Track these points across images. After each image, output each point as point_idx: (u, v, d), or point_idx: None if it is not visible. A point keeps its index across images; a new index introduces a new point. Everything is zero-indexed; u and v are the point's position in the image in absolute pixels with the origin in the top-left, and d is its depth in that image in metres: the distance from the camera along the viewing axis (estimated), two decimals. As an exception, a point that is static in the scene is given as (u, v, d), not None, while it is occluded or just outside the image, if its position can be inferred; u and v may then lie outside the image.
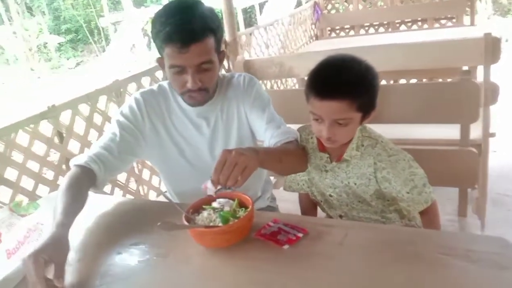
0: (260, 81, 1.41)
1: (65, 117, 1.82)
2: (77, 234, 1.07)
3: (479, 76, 2.03)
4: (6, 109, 7.51)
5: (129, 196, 2.17)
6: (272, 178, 1.77)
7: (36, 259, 0.86)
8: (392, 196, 1.18)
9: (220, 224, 0.95)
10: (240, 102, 1.33)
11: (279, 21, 3.83)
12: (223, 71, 2.50)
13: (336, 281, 0.82)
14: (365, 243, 0.92)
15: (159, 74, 2.25)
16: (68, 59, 12.71)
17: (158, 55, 1.24)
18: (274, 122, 1.30)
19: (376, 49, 2.03)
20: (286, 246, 0.93)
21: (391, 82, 2.97)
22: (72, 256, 0.99)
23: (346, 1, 4.77)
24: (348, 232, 0.95)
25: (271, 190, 1.58)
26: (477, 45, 1.79)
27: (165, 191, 1.51)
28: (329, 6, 4.79)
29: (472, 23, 3.89)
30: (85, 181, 1.16)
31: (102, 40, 12.82)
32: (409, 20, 4.30)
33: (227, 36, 2.70)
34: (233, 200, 1.03)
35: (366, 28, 4.56)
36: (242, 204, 1.03)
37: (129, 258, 0.98)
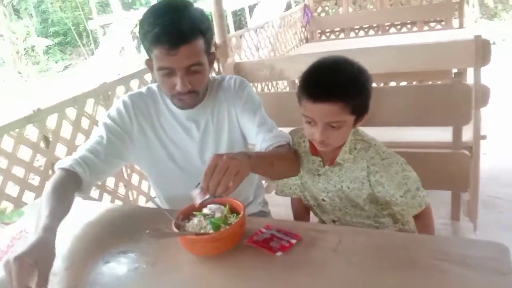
0: (251, 84, 1.39)
1: (51, 121, 1.78)
2: (64, 242, 1.04)
3: (469, 79, 2.04)
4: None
5: (118, 202, 2.13)
6: (263, 182, 1.75)
7: (21, 263, 0.82)
8: (385, 200, 1.17)
9: (211, 231, 0.92)
10: (231, 105, 1.31)
11: (269, 24, 3.82)
12: (213, 74, 2.47)
13: (331, 288, 0.80)
14: (359, 249, 0.90)
15: (148, 76, 2.22)
16: (56, 62, 12.56)
17: (145, 61, 1.22)
18: (266, 125, 1.27)
19: (367, 51, 2.02)
20: (279, 253, 0.90)
21: (381, 84, 2.97)
22: (59, 264, 0.96)
23: (336, 4, 4.78)
24: (342, 238, 0.93)
25: (263, 195, 1.55)
26: (468, 48, 1.79)
27: (155, 197, 1.48)
28: (319, 9, 4.80)
29: (461, 26, 3.93)
30: (70, 185, 1.13)
31: (90, 43, 12.70)
32: (399, 23, 4.33)
33: (217, 39, 2.68)
34: (224, 206, 1.01)
35: (356, 31, 4.57)
36: (233, 210, 1.00)
37: (117, 266, 0.95)
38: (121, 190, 2.18)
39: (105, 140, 1.24)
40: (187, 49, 1.11)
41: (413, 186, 1.14)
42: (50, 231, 0.94)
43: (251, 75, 2.19)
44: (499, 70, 4.28)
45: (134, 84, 2.16)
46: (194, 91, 1.20)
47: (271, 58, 3.53)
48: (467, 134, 1.67)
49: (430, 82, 2.94)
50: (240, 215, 0.95)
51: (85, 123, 1.95)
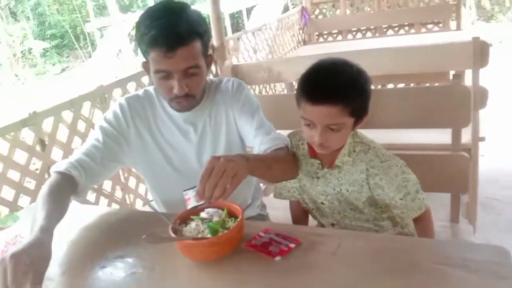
0: (249, 86, 1.38)
1: (47, 124, 1.77)
2: (60, 246, 1.02)
3: (467, 81, 2.03)
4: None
5: (114, 205, 2.11)
6: (261, 185, 1.74)
7: (17, 260, 0.81)
8: (385, 203, 1.16)
9: (209, 236, 0.91)
10: (228, 107, 1.30)
11: (267, 26, 3.82)
12: (210, 76, 2.46)
13: (331, 294, 0.79)
14: (359, 253, 0.89)
15: (145, 79, 2.21)
16: (53, 65, 12.53)
17: (141, 63, 1.21)
18: (264, 128, 1.26)
19: (365, 53, 2.02)
20: (278, 258, 0.89)
21: (379, 86, 2.97)
22: (54, 269, 0.94)
23: (333, 6, 4.78)
24: (341, 242, 0.92)
25: (261, 198, 1.54)
26: (466, 49, 1.79)
27: (151, 200, 1.46)
28: (317, 11, 4.80)
29: (458, 28, 3.93)
30: (66, 188, 1.12)
31: (88, 46, 12.68)
32: (396, 25, 4.33)
33: (214, 41, 2.67)
34: (222, 209, 0.99)
35: (354, 33, 4.58)
36: (231, 214, 0.99)
37: (114, 271, 0.94)
38: (118, 194, 2.16)
39: (101, 144, 1.22)
40: (184, 52, 1.09)
41: (413, 189, 1.13)
42: (46, 232, 0.93)
43: (248, 78, 2.18)
44: (496, 72, 4.29)
45: (131, 86, 2.15)
46: (192, 95, 1.18)
47: (269, 60, 3.52)
48: (465, 136, 1.67)
49: (427, 84, 2.94)
50: (238, 219, 0.94)
51: (81, 126, 1.93)
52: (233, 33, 6.02)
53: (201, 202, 0.94)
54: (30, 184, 1.73)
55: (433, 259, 0.84)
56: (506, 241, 0.90)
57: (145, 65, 1.20)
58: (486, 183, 2.44)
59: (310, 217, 1.37)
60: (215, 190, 0.90)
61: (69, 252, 1.04)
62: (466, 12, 8.05)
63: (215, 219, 0.96)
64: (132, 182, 2.23)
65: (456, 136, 1.42)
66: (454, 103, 1.37)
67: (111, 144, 1.24)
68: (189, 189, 0.98)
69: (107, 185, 2.07)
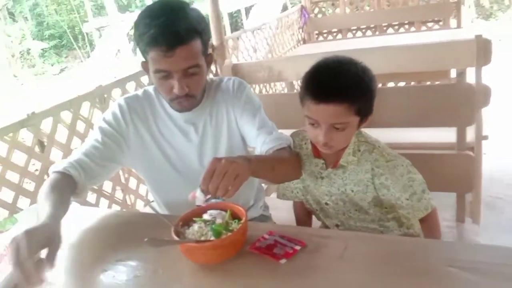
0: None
1: (46, 125, 1.74)
2: (60, 250, 1.00)
3: (468, 79, 2.02)
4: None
5: (115, 206, 2.09)
6: (263, 185, 1.72)
7: (31, 237, 0.83)
8: (390, 203, 1.14)
9: (212, 238, 0.89)
10: (229, 106, 1.28)
11: (266, 25, 3.80)
12: (210, 75, 2.44)
13: (338, 297, 0.77)
14: (366, 256, 0.87)
15: (145, 79, 2.18)
16: (52, 65, 12.49)
17: (141, 63, 1.19)
18: (266, 127, 1.24)
19: (367, 51, 1.99)
20: (283, 260, 0.87)
21: (380, 85, 2.95)
22: (55, 274, 0.92)
23: (333, 5, 4.77)
24: (347, 244, 0.90)
25: (264, 198, 1.52)
26: (469, 47, 1.77)
27: (152, 201, 1.44)
28: (316, 10, 4.77)
29: (458, 26, 3.91)
30: (66, 187, 1.10)
31: (86, 46, 12.65)
32: (396, 23, 4.31)
33: (214, 40, 2.65)
34: (225, 211, 0.97)
35: (354, 31, 4.55)
36: (234, 215, 0.97)
37: (116, 275, 0.92)
38: (119, 195, 2.14)
39: (101, 144, 1.21)
40: (183, 51, 1.07)
41: (419, 189, 1.11)
42: (54, 218, 0.93)
43: (249, 77, 2.16)
44: (496, 70, 4.27)
45: (131, 86, 2.13)
46: (192, 94, 1.17)
47: (269, 59, 3.51)
48: (468, 134, 1.65)
49: (428, 83, 2.92)
50: (242, 221, 0.92)
51: (80, 126, 1.91)
52: (231, 32, 5.99)
53: (208, 197, 0.92)
54: (29, 185, 1.71)
55: (440, 261, 0.82)
56: (511, 240, 0.88)
57: (144, 64, 1.18)
58: (489, 182, 2.43)
59: (314, 218, 1.35)
60: (217, 191, 0.89)
61: (70, 256, 1.02)
62: (465, 10, 8.04)
63: (218, 221, 0.94)
64: (132, 183, 2.21)
65: (461, 135, 1.40)
66: (459, 101, 1.35)
67: (111, 144, 1.22)
68: (195, 190, 0.96)
69: (107, 186, 2.05)
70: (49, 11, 13.29)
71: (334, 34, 4.61)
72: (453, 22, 4.07)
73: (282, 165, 1.15)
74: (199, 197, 0.92)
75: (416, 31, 4.11)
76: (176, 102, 1.18)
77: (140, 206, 2.26)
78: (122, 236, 1.08)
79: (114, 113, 1.26)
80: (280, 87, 3.64)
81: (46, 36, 12.97)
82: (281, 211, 1.51)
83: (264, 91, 3.40)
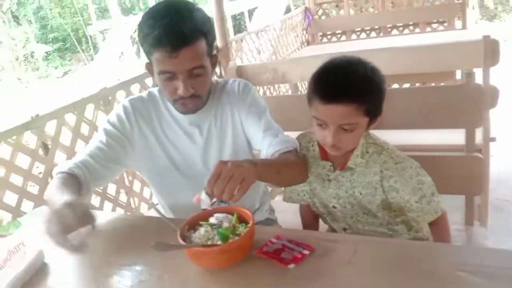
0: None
1: (50, 127, 1.73)
2: (63, 255, 0.98)
3: (476, 80, 2.00)
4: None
5: (119, 209, 2.08)
6: (268, 188, 1.70)
7: (74, 207, 0.90)
8: (399, 206, 1.12)
9: (219, 242, 0.87)
10: (234, 108, 1.26)
11: (270, 27, 3.79)
12: (215, 77, 2.43)
13: (348, 303, 0.75)
14: (375, 260, 0.85)
15: (149, 81, 2.17)
16: (55, 68, 12.54)
17: (145, 64, 1.17)
18: (272, 130, 1.23)
19: (373, 53, 1.97)
20: (291, 265, 0.85)
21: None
22: (58, 279, 0.92)
23: (337, 6, 4.75)
24: (357, 248, 0.88)
25: (269, 202, 1.50)
26: (477, 48, 1.76)
27: (157, 204, 1.43)
28: (320, 12, 4.76)
29: (463, 27, 3.89)
30: (73, 186, 1.08)
31: (90, 49, 12.69)
32: (401, 24, 4.29)
33: (218, 42, 2.64)
34: (232, 214, 0.95)
35: (358, 33, 4.54)
36: (241, 219, 0.95)
37: (122, 280, 0.90)
38: (123, 197, 2.12)
39: (106, 145, 1.20)
40: (188, 52, 1.06)
41: (428, 191, 1.09)
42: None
43: (253, 79, 2.16)
44: (502, 71, 4.24)
45: (135, 88, 2.12)
46: (197, 96, 1.15)
47: (273, 61, 3.49)
48: (476, 136, 1.63)
49: (433, 84, 2.90)
50: (249, 225, 0.90)
51: (85, 129, 1.90)
52: (235, 34, 5.97)
53: (214, 200, 0.90)
54: (33, 188, 1.70)
55: (451, 265, 0.80)
56: None
57: (149, 66, 1.17)
58: (497, 184, 2.40)
59: (321, 222, 1.33)
60: (222, 195, 0.87)
61: (74, 260, 1.00)
62: (470, 11, 8.01)
63: (225, 224, 0.92)
64: (136, 186, 2.20)
65: (470, 136, 1.38)
66: (468, 103, 1.33)
67: (115, 146, 1.21)
68: (200, 193, 0.95)
69: (111, 188, 2.04)
70: (53, 14, 13.36)
71: (338, 35, 4.60)
72: (458, 23, 4.05)
73: (289, 169, 1.14)
74: (204, 200, 0.91)
75: (420, 32, 4.09)
76: (180, 103, 1.16)
77: (144, 209, 2.24)
78: (127, 240, 1.07)
79: (119, 115, 1.24)
80: (284, 89, 3.62)
81: (50, 39, 13.03)
82: (287, 214, 1.49)
83: (268, 93, 3.38)
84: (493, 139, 1.91)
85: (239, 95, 1.26)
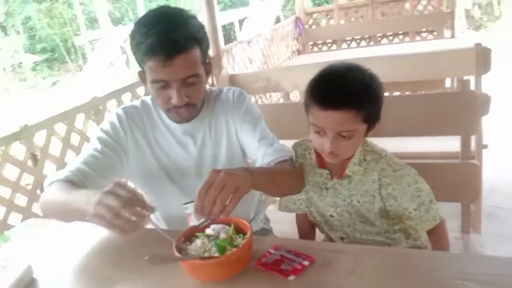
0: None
1: (39, 137, 1.69)
2: (57, 268, 0.95)
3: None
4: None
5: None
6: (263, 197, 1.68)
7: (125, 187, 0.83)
8: (397, 214, 1.10)
9: (216, 254, 0.85)
10: (229, 117, 1.24)
11: (262, 36, 3.79)
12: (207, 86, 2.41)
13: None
14: (378, 270, 0.83)
15: (140, 90, 2.15)
16: (44, 79, 12.43)
17: (138, 72, 1.15)
18: (267, 139, 1.21)
19: (366, 61, 1.97)
20: (292, 277, 0.82)
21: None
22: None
23: (327, 16, 4.79)
24: (358, 258, 0.86)
25: (264, 211, 1.48)
26: (468, 56, 1.77)
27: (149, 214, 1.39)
28: (311, 21, 4.79)
29: (452, 36, 3.94)
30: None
31: (78, 59, 12.61)
32: (391, 33, 4.33)
33: (210, 51, 2.63)
34: (229, 225, 0.93)
35: (348, 42, 4.57)
36: (238, 229, 0.93)
37: (114, 295, 0.87)
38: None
39: (100, 153, 1.15)
40: (182, 60, 1.04)
41: (427, 199, 1.08)
42: None
43: (245, 87, 2.14)
44: (490, 79, 4.30)
45: (126, 97, 2.09)
46: (192, 104, 1.13)
47: (266, 69, 3.49)
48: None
49: (423, 92, 2.91)
50: (247, 236, 0.88)
51: (75, 139, 1.87)
52: (225, 44, 5.99)
53: (203, 220, 0.87)
54: (21, 200, 1.66)
55: (452, 274, 0.79)
56: None
57: (141, 74, 1.14)
58: (490, 192, 2.41)
59: (317, 231, 1.31)
60: (214, 206, 0.83)
61: (68, 274, 0.97)
62: (456, 21, 8.15)
63: (222, 236, 0.89)
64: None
65: (466, 143, 1.37)
66: (463, 110, 1.33)
67: (110, 154, 1.17)
68: (189, 202, 0.92)
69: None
70: (42, 25, 13.27)
71: (329, 45, 4.63)
72: (446, 32, 4.10)
73: (284, 178, 1.11)
74: (193, 218, 0.87)
75: (410, 41, 4.13)
76: (174, 111, 1.14)
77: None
78: (121, 252, 1.03)
79: (112, 123, 1.21)
80: (275, 98, 3.62)
81: (38, 50, 12.94)
82: (283, 224, 1.47)
83: (259, 102, 3.38)
84: (485, 146, 1.92)
85: (233, 103, 1.25)
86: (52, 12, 13.22)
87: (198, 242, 0.89)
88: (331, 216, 1.17)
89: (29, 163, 1.67)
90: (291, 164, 1.16)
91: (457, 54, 1.85)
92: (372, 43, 4.38)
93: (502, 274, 0.77)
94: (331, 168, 1.14)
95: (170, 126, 1.23)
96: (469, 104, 1.32)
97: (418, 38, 4.20)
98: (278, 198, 1.52)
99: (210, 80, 2.66)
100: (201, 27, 1.12)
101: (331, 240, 1.24)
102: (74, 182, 1.07)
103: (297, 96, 3.54)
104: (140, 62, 1.09)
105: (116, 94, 2.04)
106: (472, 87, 1.79)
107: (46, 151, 1.72)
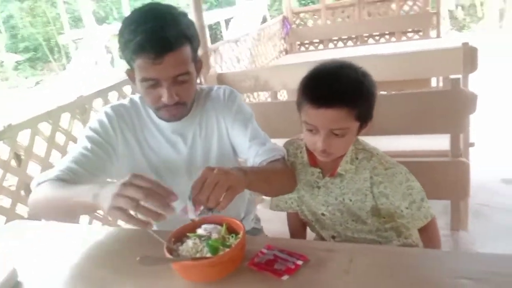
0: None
1: (23, 137, 1.65)
2: (43, 272, 0.92)
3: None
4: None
5: (96, 222, 1.99)
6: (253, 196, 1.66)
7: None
8: (389, 212, 1.10)
9: (209, 255, 0.83)
10: (220, 116, 1.22)
11: (249, 35, 3.78)
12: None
13: (347, 315, 0.72)
14: (373, 269, 0.82)
15: (127, 88, 2.12)
16: (26, 78, 12.21)
17: (123, 72, 1.12)
18: (259, 138, 1.19)
19: (354, 60, 1.98)
20: (285, 277, 0.81)
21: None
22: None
23: (314, 16, 4.80)
24: (352, 257, 0.85)
25: (255, 210, 1.46)
26: (456, 55, 1.78)
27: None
28: (298, 21, 4.80)
29: (438, 36, 3.99)
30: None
31: (62, 58, 12.42)
32: (377, 33, 4.36)
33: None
34: (221, 225, 0.91)
35: (335, 42, 4.59)
36: (231, 230, 0.91)
37: (104, 298, 0.84)
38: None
39: (90, 152, 1.12)
40: (172, 58, 1.02)
41: (418, 197, 1.08)
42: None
43: (233, 86, 2.08)
44: (474, 78, 4.36)
45: (113, 96, 2.05)
46: (182, 103, 1.11)
47: (254, 68, 3.49)
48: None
49: (413, 91, 2.94)
50: (240, 235, 0.86)
51: (60, 139, 1.82)
52: (211, 43, 5.96)
53: (201, 208, 0.85)
54: (4, 202, 1.61)
55: (447, 272, 0.79)
56: (502, 247, 0.86)
57: (130, 72, 1.11)
58: (476, 189, 2.43)
59: (308, 230, 1.30)
60: (207, 203, 0.83)
61: (57, 276, 0.94)
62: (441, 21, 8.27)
63: (214, 236, 0.88)
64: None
65: (455, 141, 1.38)
66: (454, 108, 1.34)
67: (100, 153, 1.14)
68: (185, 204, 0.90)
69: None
70: (24, 24, 13.03)
71: (316, 44, 4.65)
72: (432, 32, 4.15)
73: (277, 177, 1.10)
74: (191, 209, 0.86)
75: (397, 41, 4.17)
76: (164, 110, 1.11)
77: (122, 222, 2.16)
78: (111, 254, 1.01)
79: (101, 121, 1.18)
80: (263, 97, 3.61)
81: (21, 49, 12.71)
82: (273, 223, 1.46)
83: (247, 101, 3.37)
84: (472, 144, 1.93)
85: (224, 102, 1.23)
86: (35, 10, 13.00)
87: (189, 242, 0.87)
88: (323, 214, 1.16)
89: (13, 163, 1.62)
90: (284, 163, 1.15)
91: (445, 53, 1.86)
92: (358, 43, 4.41)
93: (494, 272, 0.77)
94: (322, 166, 1.13)
95: (159, 124, 1.21)
96: (458, 103, 1.33)
97: (404, 38, 4.24)
98: (266, 197, 1.51)
99: (198, 79, 2.64)
100: (192, 24, 1.09)
101: (322, 239, 1.23)
102: (65, 181, 1.04)
103: (284, 95, 3.54)
104: (129, 60, 1.07)
105: (102, 93, 2.00)
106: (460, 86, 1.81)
107: (31, 151, 1.68)
